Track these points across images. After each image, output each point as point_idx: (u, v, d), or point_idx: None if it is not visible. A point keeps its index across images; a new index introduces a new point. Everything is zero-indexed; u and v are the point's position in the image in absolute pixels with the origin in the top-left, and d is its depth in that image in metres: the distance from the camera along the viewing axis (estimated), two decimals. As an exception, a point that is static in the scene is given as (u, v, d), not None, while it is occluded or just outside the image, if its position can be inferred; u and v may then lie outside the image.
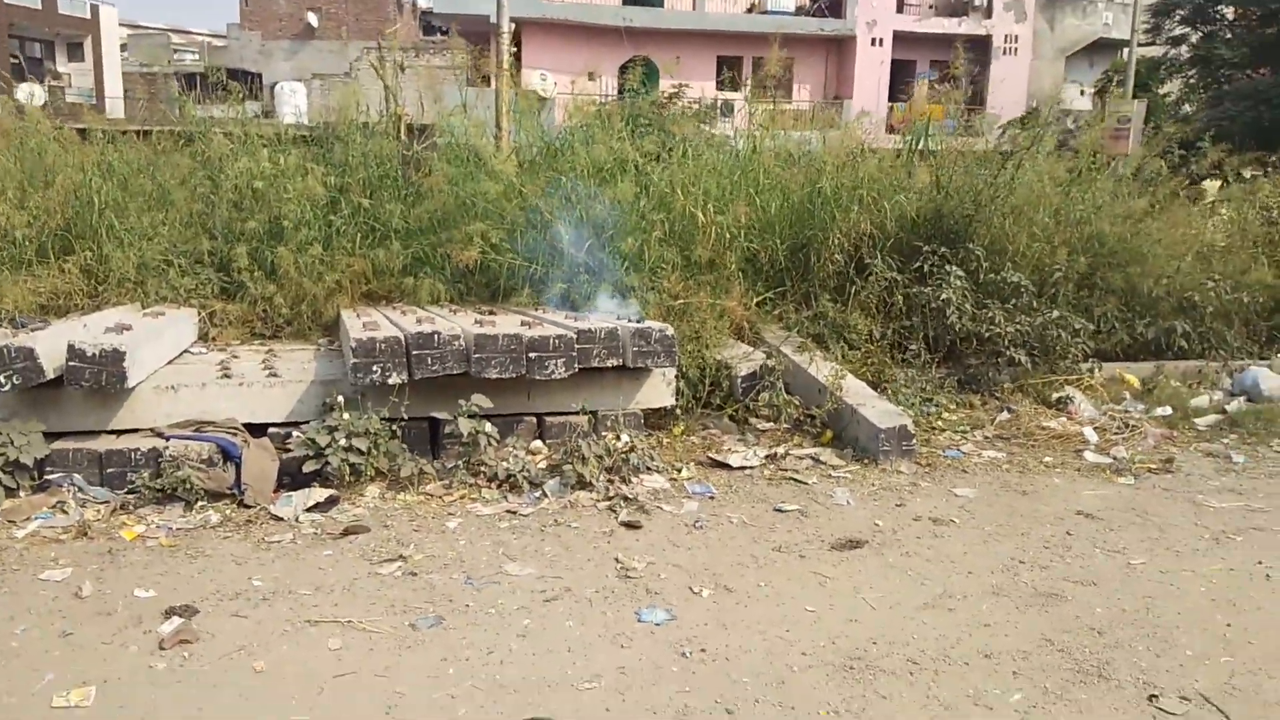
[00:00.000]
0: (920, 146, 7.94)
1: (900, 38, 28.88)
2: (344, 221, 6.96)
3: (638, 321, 5.62)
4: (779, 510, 4.80)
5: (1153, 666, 3.40)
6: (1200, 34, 25.01)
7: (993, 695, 3.18)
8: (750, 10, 28.36)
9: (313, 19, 37.35)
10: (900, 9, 29.27)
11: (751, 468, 5.40)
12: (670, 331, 5.46)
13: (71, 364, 4.56)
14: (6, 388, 4.54)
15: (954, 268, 6.70)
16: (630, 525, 4.56)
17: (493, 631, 3.54)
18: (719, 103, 20.37)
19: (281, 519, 4.53)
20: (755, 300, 6.88)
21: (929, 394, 6.51)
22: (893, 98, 26.94)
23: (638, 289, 6.38)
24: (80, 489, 4.62)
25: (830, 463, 5.47)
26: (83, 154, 7.13)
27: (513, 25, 12.63)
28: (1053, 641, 3.54)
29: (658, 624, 3.62)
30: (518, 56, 25.67)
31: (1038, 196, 7.22)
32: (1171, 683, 3.29)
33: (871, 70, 28.15)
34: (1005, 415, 6.38)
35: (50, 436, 4.76)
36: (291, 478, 4.84)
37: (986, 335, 6.64)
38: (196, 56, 42.01)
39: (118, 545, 4.22)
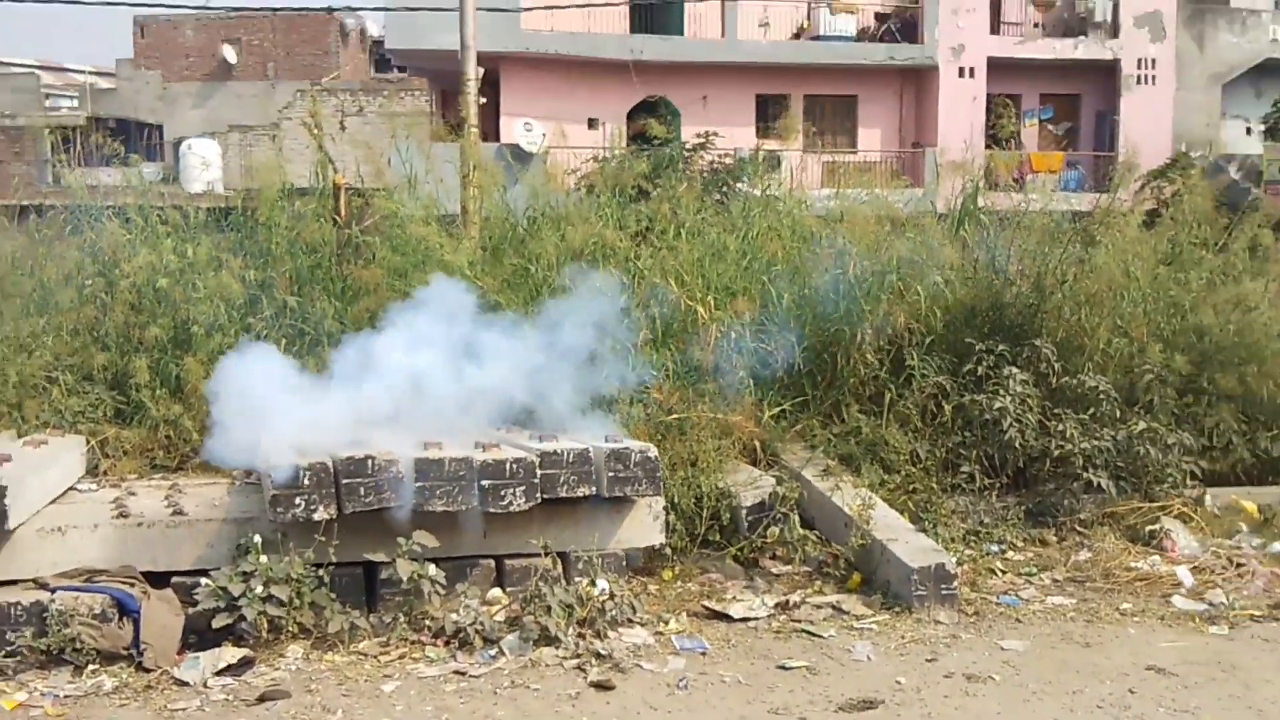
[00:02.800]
0: (969, 211, 8.74)
1: (997, 66, 30.01)
2: (265, 325, 7.77)
3: (614, 441, 6.37)
4: (783, 668, 5.48)
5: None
6: None
7: None
8: (798, 36, 29.65)
9: (229, 54, 38.86)
10: (996, 29, 30.44)
11: (757, 619, 6.09)
12: (653, 453, 6.23)
13: (-59, 503, 5.37)
14: None
15: (1015, 370, 7.44)
16: (601, 686, 5.25)
17: (428, 805, 4.23)
18: (759, 154, 21.38)
19: (187, 683, 5.25)
20: (770, 414, 7.64)
21: (987, 528, 7.20)
22: (990, 144, 27.79)
23: (621, 401, 7.16)
24: (-51, 651, 5.36)
25: (854, 612, 6.15)
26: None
27: (482, 70, 13.73)
28: (1081, 809, 4.18)
29: (622, 796, 4.29)
30: (495, 102, 27.10)
31: (1121, 280, 7.97)
32: None
33: (960, 109, 29.22)
34: (1083, 554, 7.05)
35: (-86, 588, 5.54)
36: (199, 635, 5.57)
37: (1059, 454, 7.34)
38: (76, 103, 43.81)
39: (-4, 715, 4.95)
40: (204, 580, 5.66)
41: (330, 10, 35.13)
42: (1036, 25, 31.70)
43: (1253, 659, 5.64)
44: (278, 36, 38.78)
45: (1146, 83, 31.74)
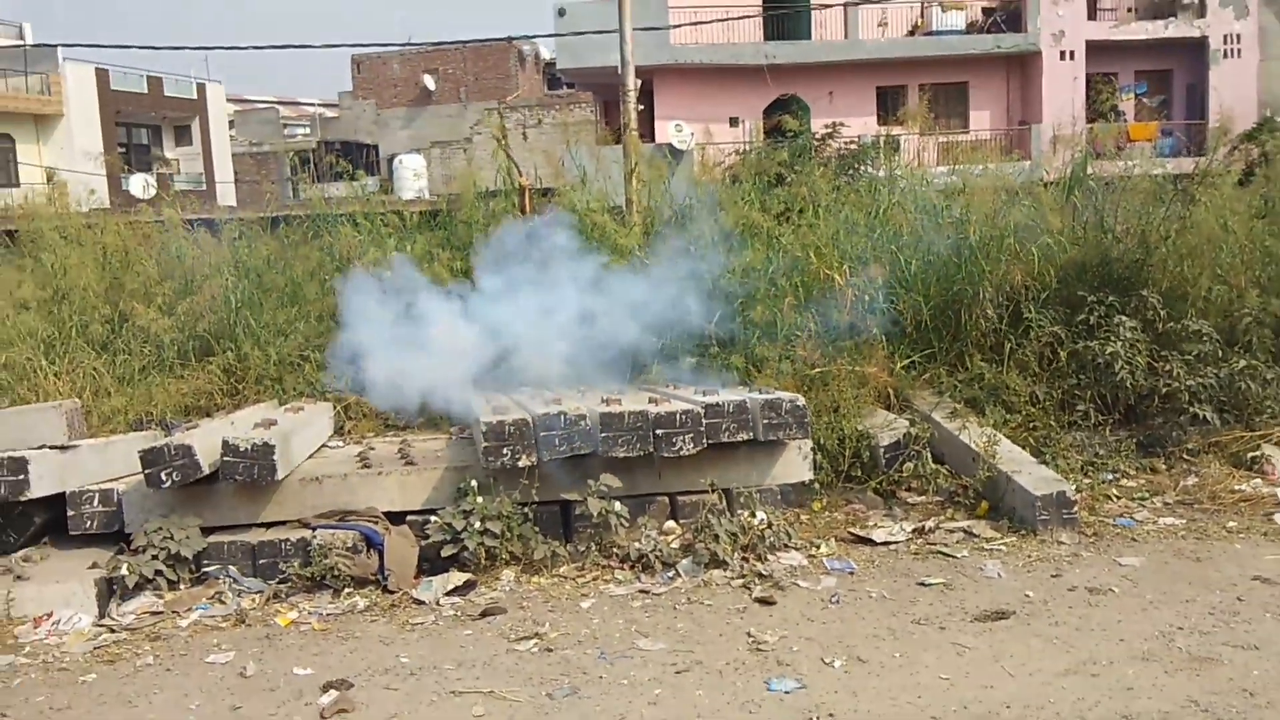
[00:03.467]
0: (1079, 178, 8.43)
1: (1095, 48, 28.88)
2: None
3: (767, 393, 6.36)
4: (922, 584, 5.40)
5: (1307, 728, 3.83)
6: None
7: (1123, 753, 3.71)
8: (912, 33, 29.01)
9: (429, 82, 40.08)
10: (1093, 15, 29.29)
11: (897, 543, 6.01)
12: (801, 402, 6.18)
13: (226, 459, 5.67)
14: (167, 484, 5.67)
15: (1124, 318, 7.15)
16: (764, 601, 5.25)
17: (625, 700, 4.30)
18: (881, 139, 21.05)
19: (423, 602, 5.45)
20: (901, 365, 7.51)
21: (1102, 459, 6.96)
22: (1092, 118, 26.86)
23: (772, 359, 7.14)
24: (235, 580, 5.68)
25: (984, 535, 6.02)
26: (217, 253, 8.52)
27: (639, 82, 13.78)
28: (1198, 703, 4.02)
29: (787, 692, 4.29)
30: (650, 108, 27.18)
31: (1220, 234, 7.58)
32: (1325, 743, 3.73)
33: (1062, 88, 28.20)
34: (1191, 480, 6.76)
35: (206, 531, 5.86)
36: (430, 563, 5.77)
37: (1166, 391, 7.05)
38: (308, 130, 45.65)
39: (274, 631, 5.22)
40: (432, 518, 5.85)
41: (510, 39, 35.73)
42: (1130, 10, 30.40)
43: (1355, 571, 5.34)
44: (467, 65, 39.74)
45: (1232, 56, 30.25)
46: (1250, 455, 6.92)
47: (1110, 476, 6.84)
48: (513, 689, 4.44)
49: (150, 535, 5.68)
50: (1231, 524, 6.07)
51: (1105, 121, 22.86)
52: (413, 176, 21.75)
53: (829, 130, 23.78)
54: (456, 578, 5.59)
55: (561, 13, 25.18)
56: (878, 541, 6.01)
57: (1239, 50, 29.84)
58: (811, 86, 28.09)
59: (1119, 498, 6.55)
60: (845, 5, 27.74)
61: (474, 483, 5.85)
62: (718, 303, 7.60)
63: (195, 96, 39.28)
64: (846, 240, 8.02)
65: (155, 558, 5.63)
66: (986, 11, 29.21)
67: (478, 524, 5.66)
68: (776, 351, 7.21)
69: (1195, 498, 6.50)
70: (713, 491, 6.10)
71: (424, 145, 32.06)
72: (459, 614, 5.30)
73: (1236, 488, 6.57)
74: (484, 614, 5.26)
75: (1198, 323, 7.21)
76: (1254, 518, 6.15)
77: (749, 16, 27.75)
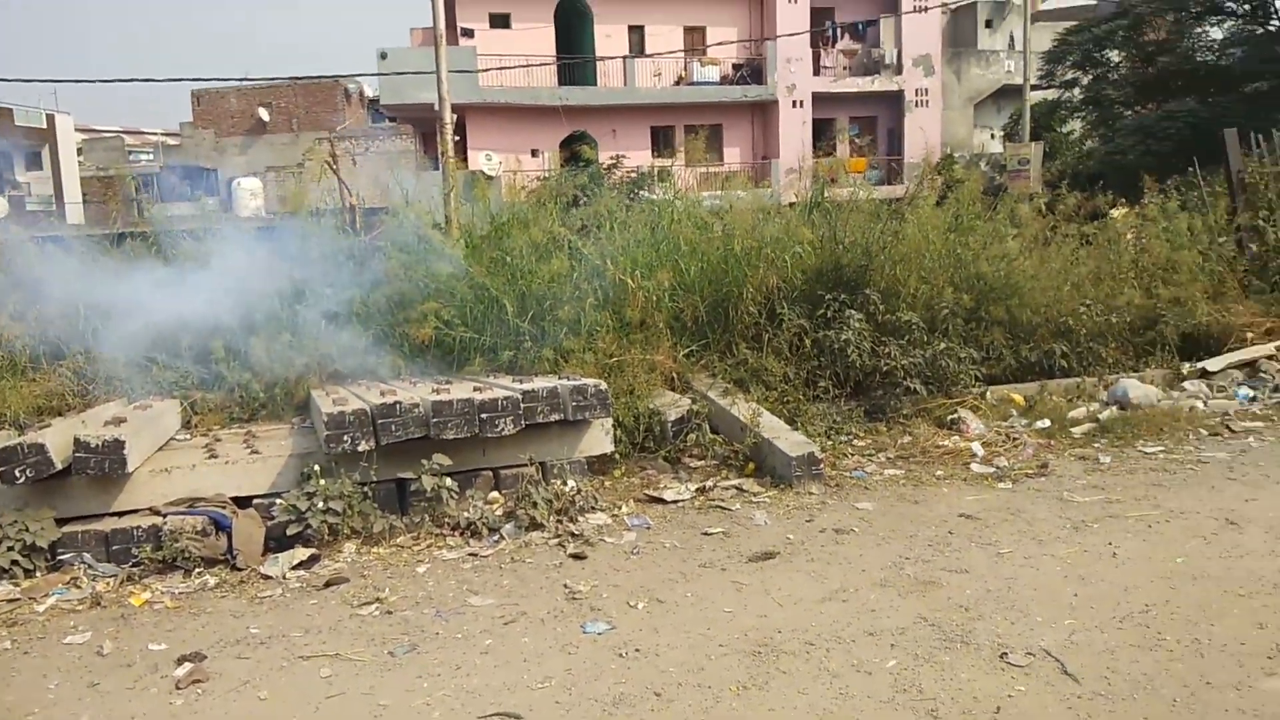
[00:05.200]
0: (818, 202, 8.70)
1: (819, 98, 30.21)
2: (309, 310, 7.51)
3: (575, 380, 6.23)
4: (706, 534, 5.40)
5: (1008, 632, 4.02)
6: (1090, 76, 26.53)
7: (873, 663, 3.79)
8: (678, 83, 29.52)
9: (264, 114, 38.02)
10: (817, 72, 30.62)
11: (683, 501, 6.00)
12: (604, 386, 6.08)
13: (78, 455, 5.07)
14: (21, 480, 5.02)
15: (853, 312, 7.42)
16: (577, 557, 5.13)
17: (460, 651, 4.09)
18: (655, 169, 21.27)
19: (270, 577, 5.03)
20: (683, 353, 7.53)
21: (839, 425, 7.19)
22: (818, 153, 28.09)
23: (577, 351, 7.02)
24: (90, 566, 5.09)
25: (752, 491, 6.09)
26: (65, 265, 7.65)
27: (454, 116, 13.37)
28: (926, 619, 4.16)
29: (599, 633, 4.18)
30: (463, 140, 26.52)
31: (923, 244, 7.96)
32: (1021, 642, 3.92)
33: (795, 130, 29.42)
34: (906, 439, 7.06)
35: (60, 522, 5.23)
36: (277, 541, 5.34)
37: (886, 369, 7.35)
38: (151, 156, 42.40)
39: (128, 611, 4.70)
40: (278, 500, 5.44)
41: (336, 78, 34.15)
42: (845, 68, 31.89)
43: (1030, 504, 5.68)
44: (299, 99, 37.98)
45: (922, 106, 32.23)
46: (950, 418, 7.28)
47: (846, 438, 7.07)
48: (357, 650, 4.15)
49: (6, 528, 5.04)
50: (939, 472, 6.37)
51: (828, 158, 23.99)
52: (249, 196, 20.42)
53: (613, 161, 23.88)
54: (301, 553, 5.20)
55: (384, 56, 24.23)
56: (668, 500, 5.99)
57: (927, 101, 31.84)
58: (598, 124, 28.17)
59: (853, 455, 6.77)
60: (623, 59, 27.92)
61: (317, 467, 5.46)
62: (531, 303, 7.42)
63: (45, 126, 35.86)
64: (636, 250, 7.98)
65: (11, 549, 4.99)
66: (736, 67, 30.08)
67: (320, 504, 5.28)
68: (581, 344, 7.09)
69: (911, 453, 6.78)
70: (530, 465, 5.92)
71: (260, 170, 30.28)
72: (304, 586, 4.92)
73: (941, 444, 6.90)
74: (328, 584, 4.91)
75: (908, 314, 7.53)
76: (955, 467, 6.47)
77: (545, 64, 27.52)
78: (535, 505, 5.57)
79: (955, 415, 7.31)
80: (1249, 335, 8.52)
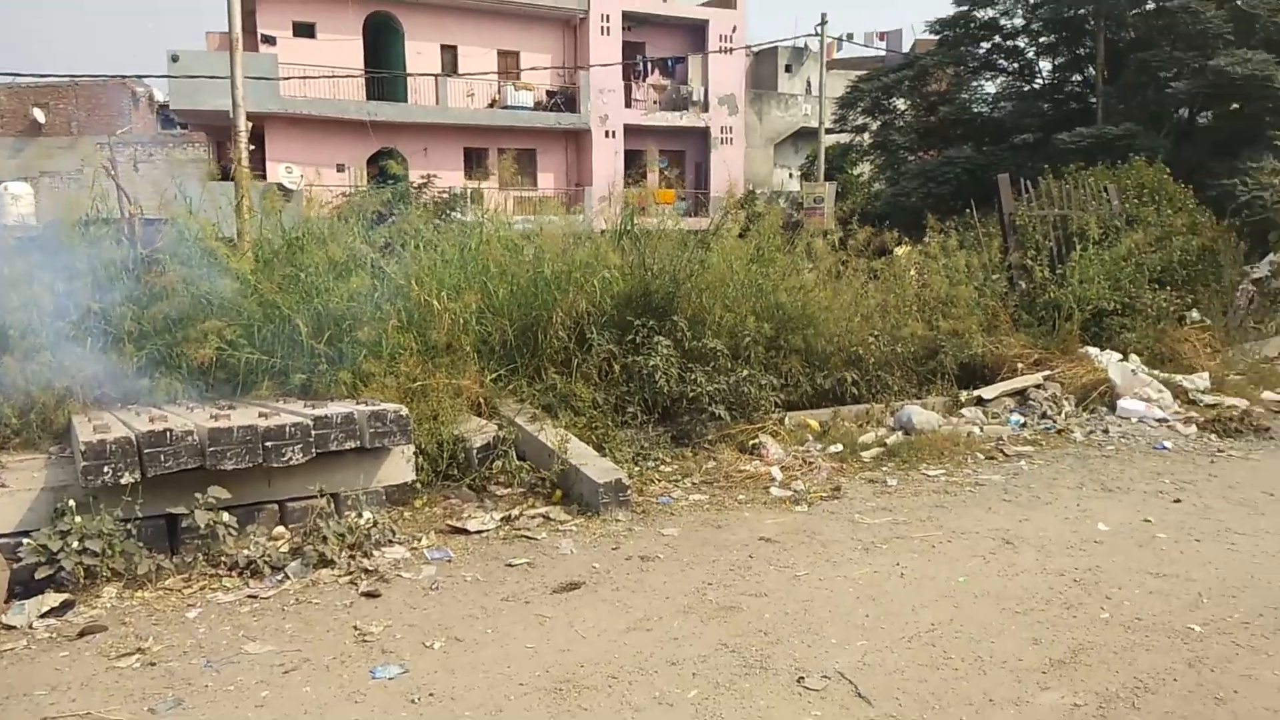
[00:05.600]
0: (626, 229, 8.72)
1: (631, 129, 30.75)
2: (74, 326, 6.76)
3: (374, 404, 5.88)
4: (510, 565, 5.19)
5: (805, 655, 4.05)
6: (879, 122, 28.38)
7: (675, 694, 3.71)
8: (492, 105, 29.26)
9: (39, 115, 34.67)
10: (629, 105, 31.18)
11: (488, 531, 5.76)
12: (404, 412, 5.77)
13: None
14: None
15: (661, 338, 7.44)
16: (370, 595, 4.79)
17: (231, 705, 3.68)
18: (468, 190, 20.88)
19: (14, 627, 4.41)
20: (490, 378, 7.30)
21: (647, 450, 7.17)
22: (629, 182, 28.48)
23: (378, 374, 6.65)
24: None
25: (559, 519, 5.94)
26: None
27: (250, 125, 12.57)
28: (727, 645, 4.13)
29: (391, 678, 3.89)
30: (261, 150, 25.10)
31: (727, 273, 8.12)
32: (817, 665, 3.95)
33: (607, 159, 29.77)
34: (711, 463, 7.13)
35: None
36: (24, 586, 4.70)
37: (692, 395, 7.41)
38: (-96, 154, 37.83)
39: None
40: (26, 540, 4.79)
41: (123, 78, 31.64)
42: (655, 102, 32.62)
43: (824, 526, 5.83)
44: (80, 101, 34.80)
45: (727, 142, 33.41)
46: (751, 443, 7.42)
47: (653, 464, 7.06)
48: (112, 708, 3.66)
49: None
50: (741, 496, 6.45)
51: (638, 187, 24.41)
52: (13, 200, 18.43)
53: (425, 180, 23.28)
54: (52, 599, 4.59)
55: (175, 59, 22.64)
56: (472, 531, 5.73)
57: (731, 139, 33.06)
58: (409, 142, 27.47)
59: (660, 481, 6.76)
60: (435, 77, 27.38)
61: (72, 502, 4.86)
62: (328, 324, 6.99)
63: None
64: (443, 271, 7.69)
65: None
66: (550, 94, 30.16)
67: (76, 543, 4.69)
68: (382, 367, 6.72)
69: (714, 478, 6.85)
70: (321, 496, 5.52)
71: (33, 175, 27.53)
72: (55, 636, 4.34)
73: (743, 468, 7.01)
74: (82, 634, 4.34)
75: (714, 342, 7.63)
76: (756, 491, 6.57)
77: (353, 76, 26.58)
78: (325, 540, 5.18)
79: (757, 440, 7.45)
80: (1019, 365, 9.21)
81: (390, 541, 5.43)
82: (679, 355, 7.48)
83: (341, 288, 6.94)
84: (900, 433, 7.90)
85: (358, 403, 6.11)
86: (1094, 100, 23.88)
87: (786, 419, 7.90)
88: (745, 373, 7.62)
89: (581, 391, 7.18)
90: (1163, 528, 5.66)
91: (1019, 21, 25.97)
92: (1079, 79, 25.76)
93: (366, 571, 5.06)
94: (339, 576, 5.02)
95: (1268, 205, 12.58)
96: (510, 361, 7.54)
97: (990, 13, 25.88)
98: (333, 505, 5.58)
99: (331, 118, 26.10)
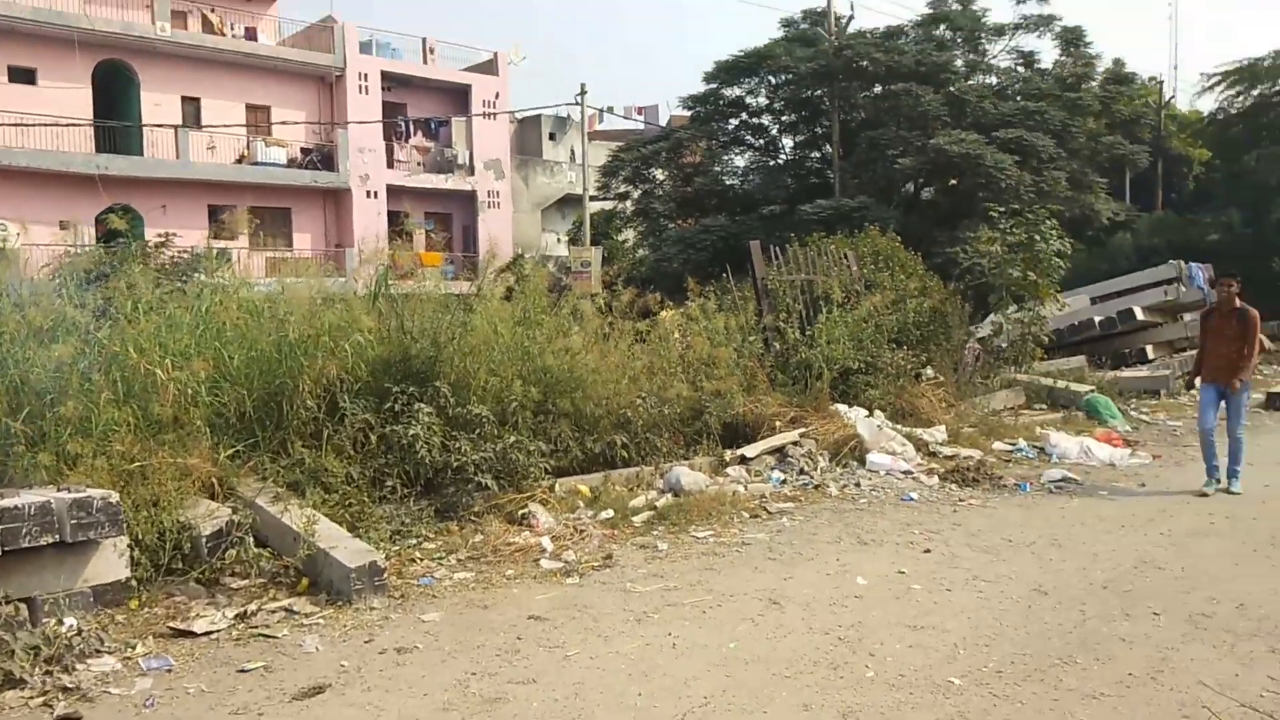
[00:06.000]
0: (380, 290, 8.26)
1: (395, 190, 30.02)
2: None
3: (77, 491, 5.06)
4: (243, 671, 4.55)
5: (576, 746, 3.75)
6: (640, 191, 29.35)
7: (432, 811, 3.29)
8: (240, 161, 27.61)
9: None
10: (391, 165, 30.46)
11: (219, 631, 5.06)
12: (115, 498, 5.01)
13: None
14: None
15: (423, 405, 7.01)
16: (68, 719, 4.02)
17: None
18: (213, 250, 19.39)
19: None
20: (226, 454, 6.55)
21: (408, 527, 6.68)
22: (393, 245, 27.61)
23: (86, 455, 5.78)
24: None
25: (304, 611, 5.32)
26: None
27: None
28: (492, 744, 3.76)
29: (83, 826, 3.21)
30: (-33, 204, 22.31)
31: (492, 336, 7.84)
32: (590, 757, 3.66)
33: (369, 220, 28.79)
34: (478, 537, 6.73)
35: None
36: None
37: (457, 465, 7.01)
38: None
39: None
40: None
41: None
42: (419, 164, 32.13)
43: (596, 598, 5.60)
44: None
45: (494, 207, 33.38)
46: (521, 512, 7.10)
47: (414, 541, 6.57)
48: None
49: None
50: (510, 571, 6.10)
51: (402, 249, 23.74)
52: None
53: (163, 239, 21.47)
54: None
55: None
56: (199, 633, 5.00)
57: (499, 203, 33.05)
58: (145, 198, 25.33)
59: (422, 559, 6.28)
60: (175, 129, 25.58)
61: None
62: (27, 398, 6.03)
63: None
64: (169, 336, 6.87)
65: None
66: (305, 151, 28.93)
67: None
68: (91, 447, 5.85)
69: (482, 552, 6.46)
70: (7, 603, 4.65)
71: None
72: None
73: (512, 540, 6.67)
74: None
75: (479, 407, 7.29)
76: (526, 564, 6.25)
77: (79, 125, 24.28)
78: (13, 655, 4.34)
79: (526, 510, 7.14)
80: (778, 423, 9.50)
81: (98, 651, 4.63)
82: (442, 423, 7.08)
83: (42, 356, 6.02)
84: (670, 494, 7.86)
85: (59, 489, 5.24)
86: (831, 175, 25.91)
87: (557, 486, 7.66)
88: (513, 439, 7.33)
89: (333, 466, 6.60)
90: (916, 578, 5.88)
91: (763, 100, 27.89)
92: (818, 155, 27.93)
93: (65, 690, 4.26)
94: (30, 698, 4.19)
95: (985, 271, 13.92)
96: (250, 435, 6.82)
97: (737, 91, 27.63)
98: (26, 612, 4.71)
99: (54, 171, 23.62)
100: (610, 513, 7.33)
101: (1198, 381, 8.72)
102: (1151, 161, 29.55)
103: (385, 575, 5.60)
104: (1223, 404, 8.38)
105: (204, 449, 6.33)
